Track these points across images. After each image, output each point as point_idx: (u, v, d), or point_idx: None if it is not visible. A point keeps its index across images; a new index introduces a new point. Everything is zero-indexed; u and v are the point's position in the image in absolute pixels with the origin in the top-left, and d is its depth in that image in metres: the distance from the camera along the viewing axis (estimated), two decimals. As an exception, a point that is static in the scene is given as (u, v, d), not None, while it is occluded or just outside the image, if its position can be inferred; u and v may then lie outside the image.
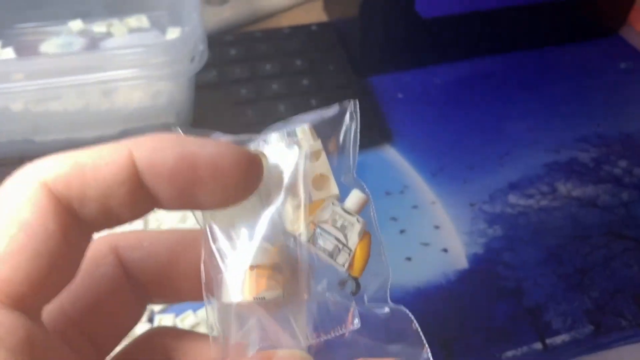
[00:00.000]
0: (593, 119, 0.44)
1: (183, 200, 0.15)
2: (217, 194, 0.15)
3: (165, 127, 0.40)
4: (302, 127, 0.18)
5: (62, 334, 0.15)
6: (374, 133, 0.42)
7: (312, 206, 0.18)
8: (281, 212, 0.17)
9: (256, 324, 0.17)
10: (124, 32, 0.44)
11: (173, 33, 0.44)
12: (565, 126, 0.43)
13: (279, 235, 0.17)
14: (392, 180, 0.39)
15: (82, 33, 0.44)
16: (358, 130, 0.19)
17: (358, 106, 0.19)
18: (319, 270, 0.17)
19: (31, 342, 0.12)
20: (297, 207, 0.17)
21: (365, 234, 0.18)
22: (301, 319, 0.17)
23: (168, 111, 0.40)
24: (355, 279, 0.18)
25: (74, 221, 0.14)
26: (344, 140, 0.19)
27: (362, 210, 0.18)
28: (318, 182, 0.18)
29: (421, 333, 0.18)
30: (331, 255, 0.17)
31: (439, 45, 0.47)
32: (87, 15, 0.44)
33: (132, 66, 0.34)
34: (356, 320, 0.18)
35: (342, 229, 0.17)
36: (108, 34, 0.44)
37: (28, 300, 0.13)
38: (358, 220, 0.18)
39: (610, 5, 0.50)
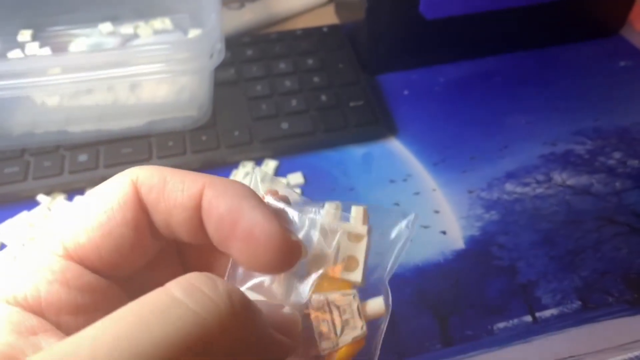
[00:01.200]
0: (591, 113, 0.46)
1: (222, 246, 0.18)
2: (245, 257, 0.17)
3: (188, 120, 0.43)
4: (358, 207, 0.19)
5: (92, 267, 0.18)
6: (380, 126, 0.44)
7: (340, 284, 0.19)
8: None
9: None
10: (149, 34, 0.47)
11: (194, 34, 0.47)
12: (563, 120, 0.45)
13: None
14: (396, 170, 0.42)
15: (111, 34, 0.48)
16: (409, 242, 0.20)
17: (416, 221, 0.20)
18: None
19: (84, 284, 0.17)
20: (321, 275, 0.19)
21: (359, 342, 0.19)
22: None
23: (190, 105, 0.43)
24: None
25: (145, 219, 0.18)
26: (391, 243, 0.20)
27: (374, 318, 0.19)
28: (349, 263, 0.19)
29: None
30: (320, 335, 0.18)
31: (443, 45, 0.50)
32: (115, 19, 0.48)
33: (157, 62, 0.38)
34: None
35: (345, 323, 0.18)
36: (135, 35, 0.47)
37: (88, 263, 0.17)
38: (362, 328, 0.18)
39: (611, 5, 0.52)
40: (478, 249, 0.36)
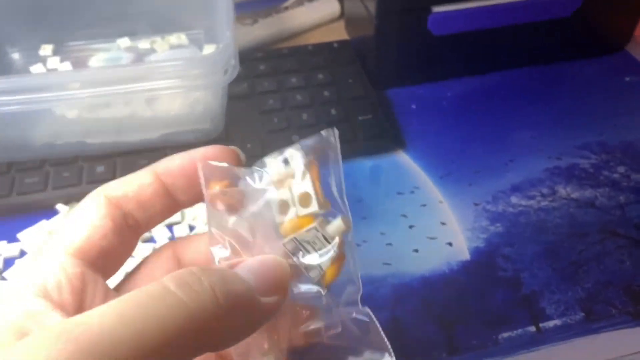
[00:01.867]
0: (595, 128, 0.47)
1: (193, 193, 0.22)
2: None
3: (201, 132, 0.44)
4: (292, 152, 0.21)
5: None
6: (388, 140, 0.45)
7: (301, 221, 0.21)
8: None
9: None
10: (165, 48, 0.49)
11: (209, 49, 0.49)
12: (568, 135, 0.46)
13: None
14: (403, 182, 0.43)
15: (128, 49, 0.49)
16: (339, 153, 0.22)
17: (337, 133, 0.22)
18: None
19: (82, 276, 0.20)
20: (285, 220, 0.21)
21: (339, 258, 0.21)
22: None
23: (203, 118, 0.45)
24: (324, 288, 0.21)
25: (120, 215, 0.21)
26: (330, 161, 0.22)
27: (342, 234, 0.21)
28: (303, 199, 0.21)
29: (384, 337, 0.22)
30: (306, 268, 0.21)
31: (450, 61, 0.51)
32: (133, 34, 0.50)
33: (173, 77, 0.39)
34: (339, 328, 0.22)
35: (319, 250, 0.21)
36: (152, 50, 0.49)
37: (83, 256, 0.20)
38: (334, 249, 0.21)
39: (616, 22, 0.53)
40: (483, 260, 0.37)
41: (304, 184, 0.21)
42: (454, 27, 0.48)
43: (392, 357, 0.22)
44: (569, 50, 0.53)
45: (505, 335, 0.33)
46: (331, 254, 0.21)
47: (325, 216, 0.21)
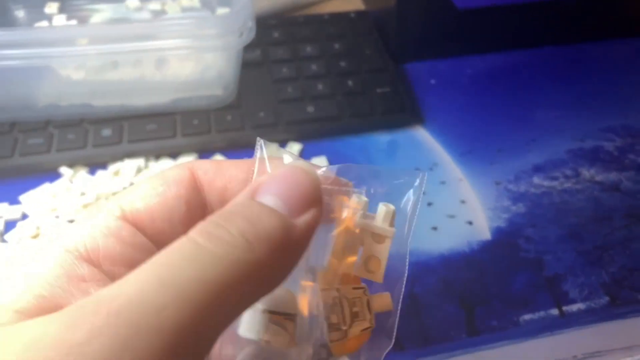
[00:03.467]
0: (620, 111, 0.45)
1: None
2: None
3: (213, 99, 0.43)
4: (387, 207, 0.19)
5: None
6: (407, 114, 0.44)
7: (353, 280, 0.19)
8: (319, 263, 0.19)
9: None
10: (177, 11, 0.47)
11: (221, 13, 0.47)
12: (592, 116, 0.45)
13: (300, 280, 0.19)
14: (422, 158, 0.41)
15: (138, 10, 0.47)
16: (419, 203, 0.20)
17: (425, 179, 0.20)
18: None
19: (137, 243, 0.18)
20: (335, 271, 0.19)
21: (366, 334, 0.19)
22: None
23: (215, 84, 0.43)
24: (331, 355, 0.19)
25: (198, 198, 0.20)
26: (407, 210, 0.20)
27: (382, 311, 0.19)
28: (371, 262, 0.19)
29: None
30: (330, 325, 0.18)
31: (473, 36, 0.49)
32: (143, -6, 0.48)
33: (185, 36, 0.37)
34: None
35: (354, 315, 0.19)
36: (162, 12, 0.47)
37: (141, 227, 0.19)
38: (370, 321, 0.19)
39: (644, 4, 0.51)
40: (504, 241, 0.36)
41: (380, 248, 0.19)
42: (479, 1, 0.46)
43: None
44: (596, 31, 0.52)
45: (527, 317, 0.32)
46: (366, 324, 0.19)
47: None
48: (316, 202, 0.17)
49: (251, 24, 0.39)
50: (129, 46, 0.38)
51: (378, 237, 0.19)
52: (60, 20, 0.46)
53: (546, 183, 0.39)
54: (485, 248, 0.35)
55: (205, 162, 0.20)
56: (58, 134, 0.41)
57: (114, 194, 0.38)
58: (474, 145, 0.42)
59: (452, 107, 0.45)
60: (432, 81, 0.48)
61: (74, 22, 0.46)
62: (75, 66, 0.42)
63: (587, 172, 0.40)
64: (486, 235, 0.36)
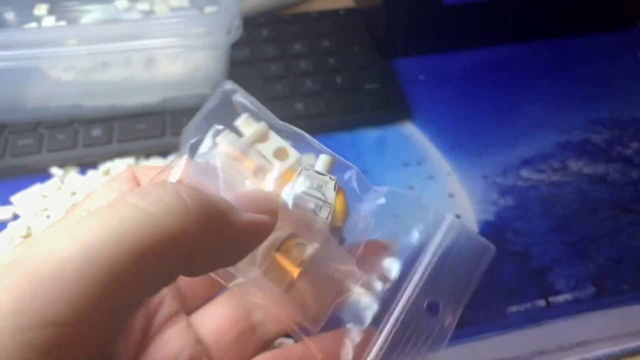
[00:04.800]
0: (607, 103, 0.45)
1: None
2: None
3: (202, 98, 0.43)
4: (242, 118, 0.20)
5: None
6: (395, 109, 0.44)
7: (287, 175, 0.20)
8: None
9: None
10: (165, 11, 0.47)
11: (210, 11, 0.47)
12: (579, 109, 0.45)
13: None
14: (410, 153, 0.41)
15: (127, 10, 0.47)
16: (247, 95, 0.22)
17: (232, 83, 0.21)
18: None
19: None
20: (273, 181, 0.20)
21: (340, 189, 0.20)
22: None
23: (204, 82, 0.43)
24: (339, 228, 0.20)
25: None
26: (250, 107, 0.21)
27: (331, 169, 0.20)
28: (280, 154, 0.20)
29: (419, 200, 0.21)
30: (314, 212, 0.19)
31: (460, 31, 0.49)
32: (132, -5, 0.48)
33: (173, 35, 0.37)
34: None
35: (319, 188, 0.20)
36: (151, 12, 0.47)
37: None
38: (331, 179, 0.20)
39: (631, -3, 0.51)
40: (492, 234, 0.36)
41: (272, 141, 0.20)
42: (465, -5, 0.47)
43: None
44: (582, 24, 0.52)
45: (514, 309, 0.32)
46: (331, 184, 0.20)
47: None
48: (268, 212, 0.17)
49: (238, 22, 0.39)
50: (118, 46, 0.38)
51: (261, 139, 0.21)
52: (49, 21, 0.46)
53: (534, 176, 0.40)
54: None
55: (143, 166, 0.22)
56: (48, 134, 0.41)
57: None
58: (462, 139, 0.42)
59: (440, 102, 0.46)
60: (421, 77, 0.48)
61: (63, 23, 0.46)
62: (64, 67, 0.42)
63: (574, 165, 0.40)
64: (474, 228, 0.36)
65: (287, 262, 0.19)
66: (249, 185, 0.20)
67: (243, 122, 0.20)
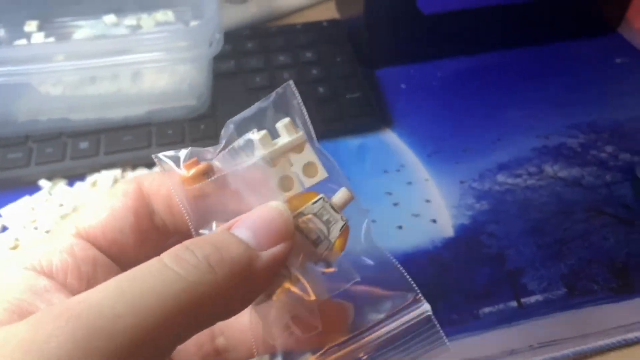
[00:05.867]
0: (585, 108, 0.46)
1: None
2: None
3: (187, 109, 0.44)
4: (283, 122, 0.20)
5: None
6: (376, 118, 0.45)
7: (307, 197, 0.20)
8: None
9: None
10: (151, 25, 0.49)
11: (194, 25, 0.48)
12: (557, 115, 0.46)
13: None
14: (389, 160, 0.42)
15: (114, 26, 0.49)
16: (302, 103, 0.21)
17: (293, 85, 0.21)
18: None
19: (93, 260, 0.20)
20: (289, 196, 0.20)
21: (346, 230, 0.20)
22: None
23: (189, 94, 0.44)
24: (328, 263, 0.21)
25: (145, 208, 0.21)
26: (298, 116, 0.21)
27: (346, 205, 0.20)
28: (308, 169, 0.20)
29: (408, 277, 0.21)
30: (314, 243, 0.20)
31: (441, 41, 0.51)
32: (120, 11, 0.49)
33: (158, 49, 0.38)
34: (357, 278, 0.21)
35: (327, 223, 0.20)
36: (138, 27, 0.48)
37: (94, 241, 0.20)
38: (342, 219, 0.20)
39: (608, 3, 0.53)
40: (468, 237, 0.37)
41: (305, 155, 0.20)
42: (444, 5, 0.48)
43: (418, 294, 0.21)
44: (562, 31, 0.53)
45: (487, 310, 0.33)
46: (340, 223, 0.20)
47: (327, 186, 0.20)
48: (285, 238, 0.19)
49: (219, 35, 0.40)
50: (105, 61, 0.39)
51: (296, 149, 0.20)
52: (39, 37, 0.48)
53: (510, 180, 0.40)
54: (448, 245, 0.36)
55: (150, 174, 0.22)
56: (37, 147, 0.42)
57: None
58: (440, 146, 0.43)
59: (421, 110, 0.47)
60: (403, 85, 0.49)
61: (52, 39, 0.47)
62: (54, 82, 0.44)
63: (550, 169, 0.41)
64: (450, 232, 0.37)
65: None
66: (271, 189, 0.20)
67: (283, 126, 0.20)
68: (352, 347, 0.21)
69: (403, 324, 0.21)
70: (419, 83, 0.50)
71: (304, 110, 0.21)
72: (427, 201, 0.39)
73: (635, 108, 0.46)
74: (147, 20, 0.49)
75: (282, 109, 0.21)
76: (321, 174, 0.20)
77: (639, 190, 0.38)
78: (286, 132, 0.20)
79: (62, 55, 0.39)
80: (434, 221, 0.38)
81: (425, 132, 0.45)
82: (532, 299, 0.33)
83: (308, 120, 0.21)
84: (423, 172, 0.41)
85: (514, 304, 0.33)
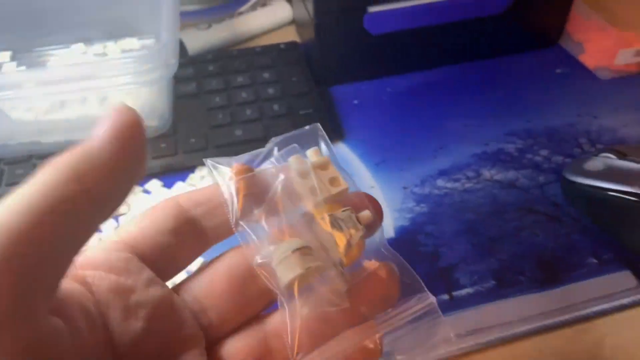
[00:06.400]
0: (524, 116, 0.50)
1: None
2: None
3: (149, 129, 0.47)
4: (312, 149, 0.26)
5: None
6: (328, 132, 0.48)
7: (337, 206, 0.24)
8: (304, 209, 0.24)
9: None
10: (117, 53, 0.52)
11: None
12: (498, 123, 0.49)
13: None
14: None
15: (83, 54, 0.52)
16: (325, 135, 0.27)
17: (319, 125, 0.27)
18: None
19: (126, 261, 0.21)
20: (318, 203, 0.24)
21: (362, 242, 0.24)
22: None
23: (151, 115, 0.47)
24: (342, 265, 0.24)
25: (185, 218, 0.23)
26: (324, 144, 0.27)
27: (366, 223, 0.24)
28: (333, 182, 0.25)
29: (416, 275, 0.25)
30: (336, 244, 0.23)
31: (389, 59, 0.54)
32: (87, 40, 0.53)
33: (120, 74, 0.41)
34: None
35: (350, 227, 0.24)
36: (104, 54, 0.52)
37: (134, 244, 0.22)
38: (362, 229, 0.24)
39: (548, 18, 0.56)
40: (406, 237, 0.39)
41: (330, 172, 0.25)
42: (389, 26, 0.51)
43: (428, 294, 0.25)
44: (505, 46, 0.56)
45: (421, 303, 0.35)
46: (361, 232, 0.23)
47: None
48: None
49: (174, 60, 0.43)
50: (73, 86, 0.42)
51: (322, 167, 0.25)
52: (11, 67, 0.51)
53: (449, 185, 0.43)
54: (390, 245, 0.39)
55: (184, 192, 0.24)
56: (7, 170, 0.45)
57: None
58: (387, 155, 0.46)
59: (371, 123, 0.50)
60: (355, 101, 0.53)
61: (23, 68, 0.50)
62: (25, 108, 0.47)
63: (487, 173, 0.44)
64: (390, 233, 0.40)
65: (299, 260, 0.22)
66: (303, 193, 0.24)
67: (312, 152, 0.25)
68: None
69: (412, 313, 0.25)
70: (370, 98, 0.53)
71: (329, 141, 0.27)
72: (371, 206, 0.42)
73: (570, 113, 0.50)
74: (113, 48, 0.52)
75: (313, 140, 0.27)
76: (343, 184, 0.25)
77: (566, 189, 0.41)
78: (314, 156, 0.25)
79: (33, 82, 0.42)
80: (377, 224, 0.40)
81: (374, 143, 0.48)
82: (463, 292, 0.36)
83: (332, 146, 0.27)
84: (370, 181, 0.44)
85: (445, 297, 0.36)
